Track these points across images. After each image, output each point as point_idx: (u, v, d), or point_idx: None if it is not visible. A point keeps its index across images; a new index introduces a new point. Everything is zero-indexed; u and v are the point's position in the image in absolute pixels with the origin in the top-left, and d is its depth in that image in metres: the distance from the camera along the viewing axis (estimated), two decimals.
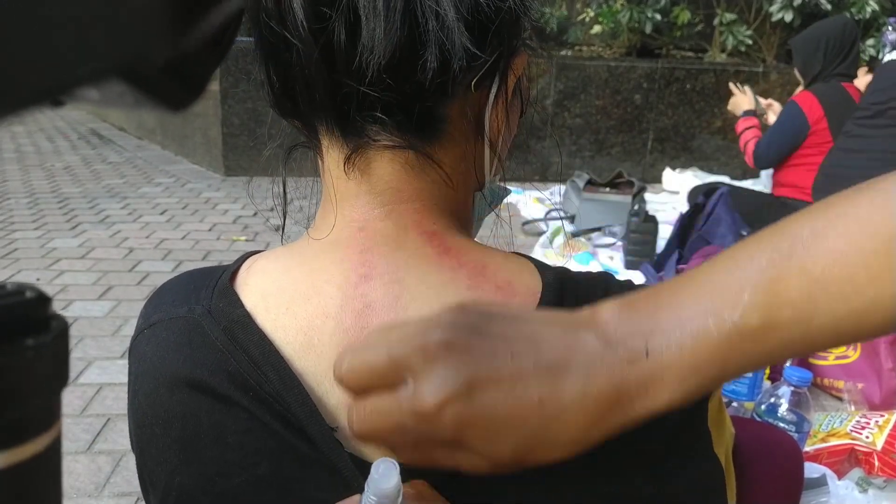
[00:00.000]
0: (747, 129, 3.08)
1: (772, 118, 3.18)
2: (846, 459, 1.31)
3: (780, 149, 2.95)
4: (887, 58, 2.68)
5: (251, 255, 0.49)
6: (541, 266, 0.48)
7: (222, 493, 0.43)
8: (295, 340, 0.43)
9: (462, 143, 0.44)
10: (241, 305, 0.44)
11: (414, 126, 0.41)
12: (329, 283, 0.44)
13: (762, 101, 3.22)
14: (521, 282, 0.46)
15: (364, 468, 0.40)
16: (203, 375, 0.43)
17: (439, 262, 0.44)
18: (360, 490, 0.35)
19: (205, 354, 0.43)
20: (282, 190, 0.48)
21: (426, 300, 0.43)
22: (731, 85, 3.28)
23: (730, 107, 3.26)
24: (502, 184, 0.52)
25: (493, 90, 0.43)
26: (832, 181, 2.76)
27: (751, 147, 3.03)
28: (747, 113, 3.12)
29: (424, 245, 0.44)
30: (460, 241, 0.46)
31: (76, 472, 1.47)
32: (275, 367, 0.42)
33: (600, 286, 0.46)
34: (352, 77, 0.38)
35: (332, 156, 0.44)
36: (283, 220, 0.50)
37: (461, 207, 0.47)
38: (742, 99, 3.17)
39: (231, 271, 0.47)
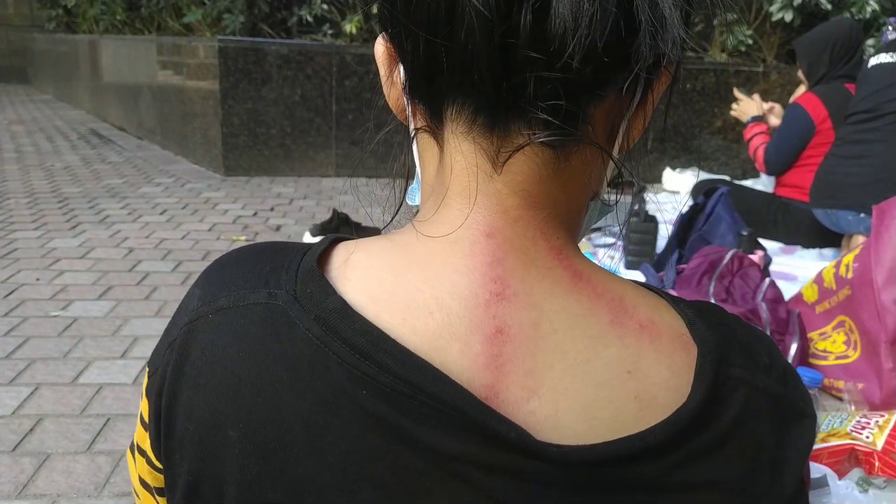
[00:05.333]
0: (756, 135, 3.03)
1: (773, 121, 3.17)
2: (846, 459, 1.31)
3: (789, 152, 2.92)
4: (873, 62, 2.68)
5: (338, 242, 0.43)
6: (672, 300, 0.44)
7: None
8: None
9: (594, 149, 0.40)
10: (334, 291, 0.38)
11: (562, 124, 0.36)
12: (454, 296, 0.38)
13: (764, 104, 3.20)
14: (662, 321, 0.42)
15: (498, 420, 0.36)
16: (299, 375, 0.37)
17: (576, 289, 0.40)
18: (501, 440, 0.35)
19: (297, 350, 0.37)
20: (400, 183, 0.45)
21: (568, 332, 0.39)
22: (736, 91, 3.25)
23: (735, 113, 3.21)
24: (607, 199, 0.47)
25: (637, 96, 0.40)
26: (828, 188, 2.76)
27: (760, 153, 2.99)
28: (755, 119, 3.08)
29: (555, 264, 0.40)
30: (584, 262, 0.42)
31: (76, 472, 1.46)
32: (391, 353, 0.36)
33: (764, 343, 0.44)
34: (532, 63, 0.34)
35: (461, 146, 0.39)
36: (393, 214, 0.46)
37: (575, 217, 0.43)
38: (749, 105, 3.13)
39: (316, 254, 0.41)
